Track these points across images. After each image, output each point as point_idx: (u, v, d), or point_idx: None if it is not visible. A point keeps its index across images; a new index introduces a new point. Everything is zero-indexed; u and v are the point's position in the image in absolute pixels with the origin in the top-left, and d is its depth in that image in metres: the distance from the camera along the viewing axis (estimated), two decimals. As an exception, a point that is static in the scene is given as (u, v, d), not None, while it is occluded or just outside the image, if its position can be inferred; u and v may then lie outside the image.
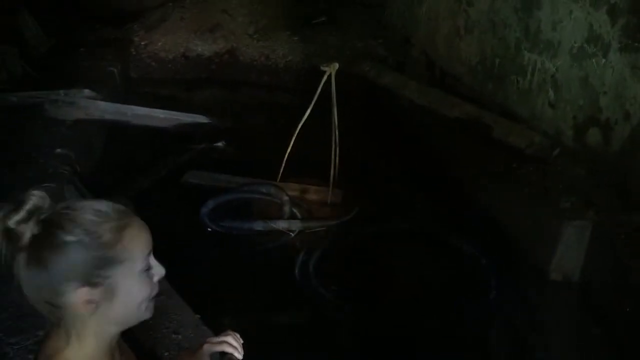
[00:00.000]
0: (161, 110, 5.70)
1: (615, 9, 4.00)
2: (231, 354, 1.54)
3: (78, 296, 1.24)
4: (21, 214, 1.21)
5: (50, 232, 1.22)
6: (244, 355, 1.57)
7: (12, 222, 1.20)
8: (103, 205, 1.28)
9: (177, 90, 6.82)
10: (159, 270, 1.35)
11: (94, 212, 1.26)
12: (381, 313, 3.81)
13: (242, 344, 1.58)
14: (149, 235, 1.34)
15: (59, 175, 4.15)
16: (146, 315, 1.36)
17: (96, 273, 1.23)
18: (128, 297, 1.29)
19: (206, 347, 1.59)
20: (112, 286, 1.26)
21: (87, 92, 5.43)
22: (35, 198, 1.23)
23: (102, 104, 5.39)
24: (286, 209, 4.57)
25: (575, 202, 3.98)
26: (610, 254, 3.69)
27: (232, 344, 1.56)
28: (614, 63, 4.03)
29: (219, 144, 5.47)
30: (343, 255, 4.35)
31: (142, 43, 6.92)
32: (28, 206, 1.22)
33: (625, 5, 3.92)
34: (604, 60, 4.11)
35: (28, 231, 1.20)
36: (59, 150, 4.45)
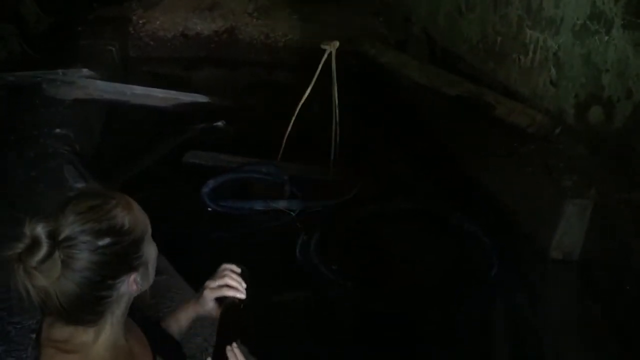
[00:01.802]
0: (160, 90, 5.66)
1: (618, -15, 3.96)
2: (233, 297, 1.50)
3: (131, 284, 1.30)
4: (43, 251, 1.17)
5: (78, 249, 1.19)
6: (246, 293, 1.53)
7: (34, 262, 1.16)
8: (95, 200, 1.25)
9: (176, 70, 6.78)
10: None
11: (97, 208, 1.23)
12: (382, 292, 3.82)
13: (244, 277, 1.54)
14: None
15: (59, 155, 4.14)
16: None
17: (135, 257, 1.29)
18: (152, 261, 1.36)
19: (206, 293, 1.57)
20: (145, 260, 1.33)
21: (85, 71, 5.39)
22: (41, 227, 1.17)
23: (101, 84, 5.36)
24: (287, 188, 4.56)
25: (576, 181, 3.98)
26: (611, 233, 3.70)
27: (232, 285, 1.53)
28: (616, 40, 3.99)
29: (219, 123, 5.44)
30: (344, 234, 4.35)
31: (141, 22, 6.85)
32: (44, 239, 1.17)
33: (629, -19, 3.88)
34: (606, 38, 4.06)
35: (57, 261, 1.17)
36: (58, 130, 4.43)
